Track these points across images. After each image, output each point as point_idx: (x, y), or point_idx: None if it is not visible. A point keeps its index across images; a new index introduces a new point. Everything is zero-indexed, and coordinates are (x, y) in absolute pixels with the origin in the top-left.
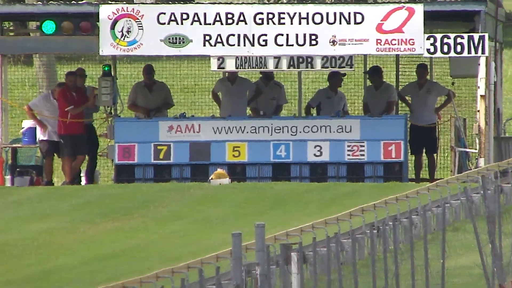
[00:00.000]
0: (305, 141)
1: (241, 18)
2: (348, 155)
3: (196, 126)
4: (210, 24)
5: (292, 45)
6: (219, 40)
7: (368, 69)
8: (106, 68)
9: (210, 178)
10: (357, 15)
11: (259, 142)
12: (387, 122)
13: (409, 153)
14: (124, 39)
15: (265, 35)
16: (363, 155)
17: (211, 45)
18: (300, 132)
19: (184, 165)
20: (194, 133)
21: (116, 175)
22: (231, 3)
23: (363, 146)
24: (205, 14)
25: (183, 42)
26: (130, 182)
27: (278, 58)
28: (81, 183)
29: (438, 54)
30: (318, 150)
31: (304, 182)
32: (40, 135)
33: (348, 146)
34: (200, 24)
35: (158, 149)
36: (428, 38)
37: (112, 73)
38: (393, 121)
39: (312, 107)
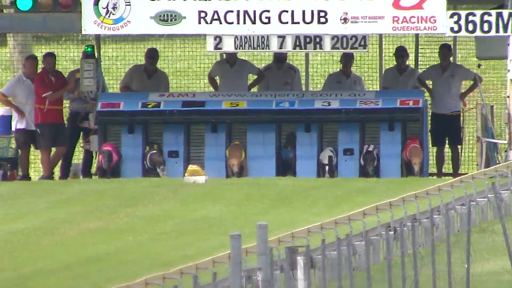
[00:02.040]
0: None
1: None
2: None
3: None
4: None
5: (298, 23)
6: (216, 17)
7: (393, 50)
8: (88, 49)
9: (184, 174)
10: None
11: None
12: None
13: (430, 145)
14: (109, 16)
15: (268, 11)
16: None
17: (207, 23)
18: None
19: (175, 114)
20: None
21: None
22: None
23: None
24: None
25: (176, 20)
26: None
27: (282, 38)
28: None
29: (463, 33)
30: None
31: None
32: (16, 124)
33: None
34: None
35: (147, 105)
36: (451, 16)
37: (96, 55)
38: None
39: None
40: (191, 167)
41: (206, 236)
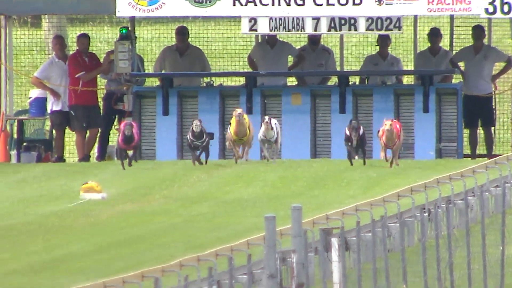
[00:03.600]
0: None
1: None
2: None
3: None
4: None
5: (333, 4)
6: None
7: (428, 31)
8: (123, 31)
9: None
10: None
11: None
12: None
13: (463, 127)
14: None
15: None
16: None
17: (241, 5)
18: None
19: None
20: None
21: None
22: None
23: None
24: None
25: (210, 1)
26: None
27: (317, 20)
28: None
29: (498, 14)
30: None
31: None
32: (52, 105)
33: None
34: None
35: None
36: None
37: (131, 37)
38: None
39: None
40: (87, 183)
41: (240, 218)
